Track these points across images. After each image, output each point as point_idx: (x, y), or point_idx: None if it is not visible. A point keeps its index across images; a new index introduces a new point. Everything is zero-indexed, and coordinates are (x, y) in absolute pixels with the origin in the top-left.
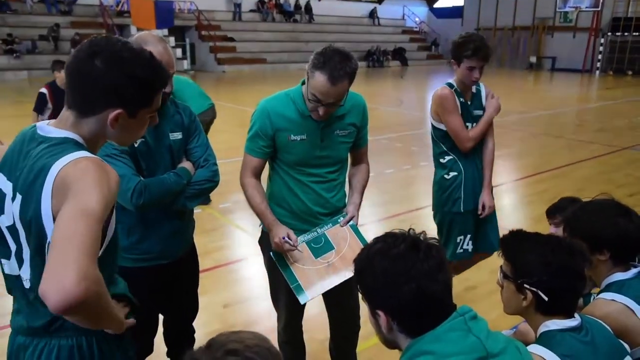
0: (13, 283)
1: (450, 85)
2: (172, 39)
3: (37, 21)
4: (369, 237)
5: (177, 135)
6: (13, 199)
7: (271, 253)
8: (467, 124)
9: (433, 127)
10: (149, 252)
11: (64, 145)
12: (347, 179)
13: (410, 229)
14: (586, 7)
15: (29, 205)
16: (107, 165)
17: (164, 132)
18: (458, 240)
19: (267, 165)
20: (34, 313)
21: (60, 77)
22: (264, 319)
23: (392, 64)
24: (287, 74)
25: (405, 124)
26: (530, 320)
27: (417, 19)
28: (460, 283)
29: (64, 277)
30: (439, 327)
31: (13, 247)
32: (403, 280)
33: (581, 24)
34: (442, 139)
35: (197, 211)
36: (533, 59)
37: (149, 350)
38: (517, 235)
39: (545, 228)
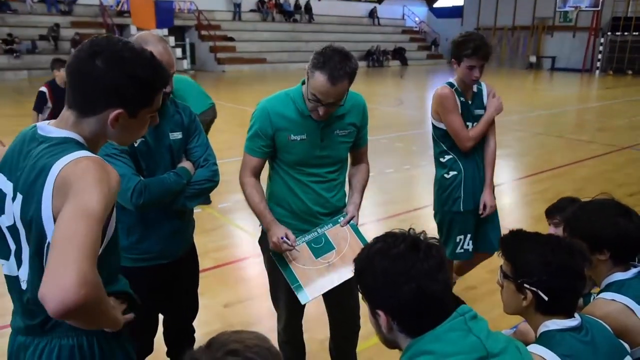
0: (11, 284)
1: (450, 84)
2: (172, 39)
3: (37, 21)
4: (369, 237)
5: (177, 135)
6: (13, 199)
7: (271, 253)
8: (468, 123)
9: (433, 126)
10: (149, 252)
11: (64, 145)
12: (347, 179)
13: (410, 228)
14: (586, 7)
15: (29, 205)
16: (108, 164)
17: (164, 132)
18: (458, 240)
19: (267, 165)
20: (27, 313)
21: (60, 75)
22: (264, 318)
23: (392, 63)
24: (287, 74)
25: (405, 124)
26: (530, 320)
27: (417, 19)
28: (460, 283)
29: (64, 283)
30: (439, 327)
31: (13, 247)
32: (403, 280)
33: (581, 23)
34: (442, 138)
35: (197, 211)
36: (533, 59)
37: (149, 349)
38: (517, 235)
39: (546, 228)
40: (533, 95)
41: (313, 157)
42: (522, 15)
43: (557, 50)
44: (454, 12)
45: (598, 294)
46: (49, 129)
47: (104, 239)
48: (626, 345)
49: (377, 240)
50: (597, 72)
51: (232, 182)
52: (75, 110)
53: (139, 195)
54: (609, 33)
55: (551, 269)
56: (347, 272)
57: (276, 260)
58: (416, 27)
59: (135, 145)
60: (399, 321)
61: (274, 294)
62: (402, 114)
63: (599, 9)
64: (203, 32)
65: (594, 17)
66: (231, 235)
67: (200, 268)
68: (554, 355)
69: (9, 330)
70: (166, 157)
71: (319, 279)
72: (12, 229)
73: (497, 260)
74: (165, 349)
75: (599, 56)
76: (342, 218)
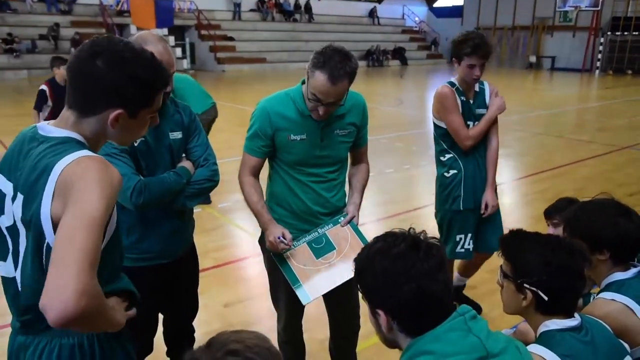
0: (8, 285)
1: (451, 84)
2: (172, 39)
3: (37, 20)
4: (370, 236)
5: (177, 135)
6: (13, 199)
7: (272, 254)
8: (469, 122)
9: (434, 125)
10: (149, 252)
11: (66, 145)
12: (347, 179)
13: (410, 228)
14: (586, 7)
15: (30, 205)
16: (110, 164)
17: (164, 132)
18: (458, 239)
19: (267, 165)
20: (24, 313)
21: (60, 73)
22: (263, 318)
23: (391, 63)
24: (287, 74)
25: (405, 124)
26: (530, 320)
27: (416, 19)
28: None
29: (64, 294)
30: (439, 326)
31: (11, 248)
32: (403, 280)
33: (581, 23)
34: (443, 137)
35: (197, 211)
36: (533, 59)
37: (149, 349)
38: (517, 234)
39: (546, 228)
40: (533, 95)
41: (313, 157)
42: (522, 15)
43: (557, 50)
44: (454, 12)
45: (598, 293)
46: (49, 128)
47: (104, 237)
48: (626, 345)
49: (377, 239)
50: (597, 72)
51: (232, 181)
52: (75, 110)
53: (139, 195)
54: (608, 33)
55: (551, 269)
56: (348, 273)
57: (277, 261)
58: (416, 27)
59: (135, 144)
60: (399, 321)
61: (273, 293)
62: (402, 113)
63: (598, 8)
64: (203, 32)
65: (593, 17)
66: (231, 235)
67: (200, 268)
68: (554, 355)
69: (9, 330)
70: (166, 156)
71: (320, 279)
72: (12, 229)
73: (497, 260)
74: (165, 348)
75: (599, 56)
76: (342, 218)
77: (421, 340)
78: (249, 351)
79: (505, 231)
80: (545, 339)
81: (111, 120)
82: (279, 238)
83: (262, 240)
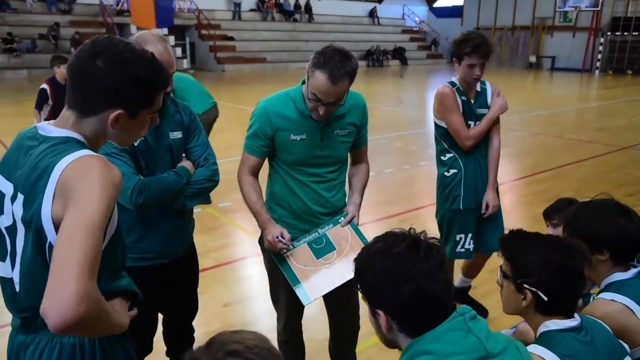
0: (5, 285)
1: (452, 83)
2: (172, 38)
3: (37, 20)
4: (369, 236)
5: (177, 135)
6: (13, 199)
7: (272, 254)
8: (470, 122)
9: (435, 124)
10: (149, 252)
11: (66, 145)
12: (347, 179)
13: (410, 228)
14: (586, 7)
15: (30, 205)
16: (110, 163)
17: (164, 132)
18: (458, 239)
19: (267, 165)
20: (22, 312)
21: (60, 72)
22: (263, 318)
23: (391, 63)
24: (287, 73)
25: (405, 124)
26: (529, 320)
27: (417, 19)
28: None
29: (63, 300)
30: (439, 327)
31: (9, 248)
32: (403, 280)
33: (581, 23)
34: (444, 137)
35: (197, 210)
36: (533, 59)
37: (149, 349)
38: (516, 235)
39: (545, 228)
40: (533, 95)
41: (313, 156)
42: (522, 15)
43: (557, 50)
44: (454, 12)
45: (598, 294)
46: (49, 128)
47: (105, 237)
48: (626, 346)
49: (377, 239)
50: (597, 72)
51: (232, 181)
52: (75, 110)
53: (139, 194)
54: (608, 33)
55: (551, 269)
56: (348, 273)
57: (277, 261)
58: (416, 27)
59: (135, 144)
60: (399, 321)
61: (273, 293)
62: (402, 113)
63: (598, 9)
64: (203, 32)
65: (593, 17)
66: (231, 235)
67: (200, 267)
68: (554, 355)
69: (9, 329)
70: (166, 156)
71: (321, 279)
72: (11, 229)
73: (497, 260)
74: (165, 348)
75: (599, 56)
76: (342, 218)
77: (421, 341)
78: (249, 352)
79: (505, 231)
80: (545, 339)
81: (111, 120)
82: (277, 237)
83: (262, 240)
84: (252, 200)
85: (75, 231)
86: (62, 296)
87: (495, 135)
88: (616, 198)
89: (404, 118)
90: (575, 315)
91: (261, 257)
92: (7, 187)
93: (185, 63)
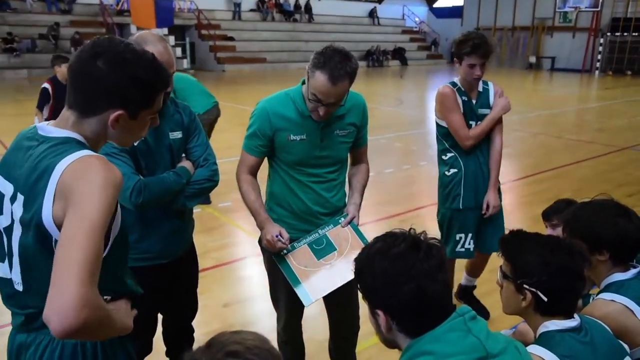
0: (3, 285)
1: (453, 84)
2: (172, 38)
3: (37, 20)
4: (369, 236)
5: (177, 135)
6: (13, 199)
7: (272, 255)
8: (471, 122)
9: (437, 124)
10: (149, 252)
11: (66, 145)
12: (347, 179)
13: (410, 228)
14: (586, 7)
15: (31, 205)
16: (110, 162)
17: (164, 132)
18: (458, 238)
19: (267, 165)
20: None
21: (61, 71)
22: (263, 318)
23: (391, 63)
24: (287, 74)
25: (405, 124)
26: (529, 321)
27: (416, 19)
28: (456, 283)
29: (64, 306)
30: (439, 327)
31: (7, 249)
32: (403, 280)
33: (581, 24)
34: (445, 137)
35: (197, 210)
36: (532, 59)
37: (148, 349)
38: (516, 235)
39: (545, 228)
40: (533, 95)
41: (313, 157)
42: (522, 16)
43: (557, 51)
44: (454, 12)
45: (597, 294)
46: (49, 129)
47: (110, 236)
48: (625, 346)
49: (377, 240)
50: (597, 72)
51: (232, 181)
52: (75, 111)
53: (138, 194)
54: (608, 33)
55: (551, 269)
56: (349, 273)
57: (277, 261)
58: (416, 27)
59: (135, 144)
60: (398, 321)
61: (273, 294)
62: (402, 113)
63: (598, 9)
64: (203, 32)
65: (593, 18)
66: (231, 235)
67: (200, 268)
68: (553, 355)
69: (9, 329)
70: (166, 156)
71: (321, 280)
72: (8, 230)
73: (497, 260)
74: (165, 348)
75: (599, 57)
76: (342, 219)
77: (421, 341)
78: (249, 352)
79: (505, 232)
80: (545, 340)
81: (111, 121)
82: (276, 236)
83: (262, 241)
84: (251, 199)
85: (76, 233)
86: (64, 302)
87: (498, 135)
88: (616, 198)
89: (404, 118)
90: (575, 315)
91: (261, 258)
92: (7, 188)
93: (185, 63)
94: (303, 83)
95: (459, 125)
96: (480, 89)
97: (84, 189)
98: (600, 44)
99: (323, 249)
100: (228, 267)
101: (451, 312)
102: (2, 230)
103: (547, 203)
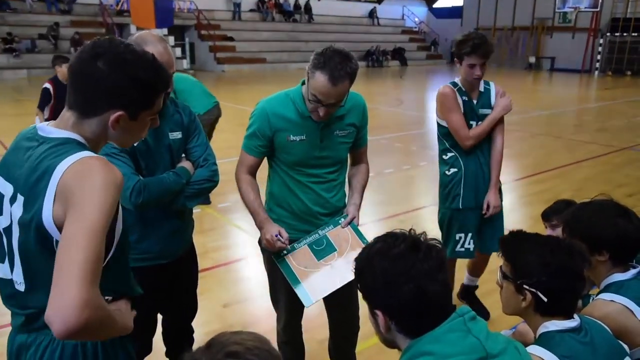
0: (4, 286)
1: (454, 84)
2: (171, 38)
3: (37, 20)
4: (369, 237)
5: (177, 135)
6: (13, 200)
7: (273, 256)
8: (472, 122)
9: (437, 124)
10: (149, 252)
11: (67, 146)
12: (346, 179)
13: (410, 229)
14: (585, 8)
15: (31, 206)
16: (111, 163)
17: (164, 132)
18: (457, 238)
19: (266, 165)
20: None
21: (62, 71)
22: (263, 318)
23: (391, 64)
24: (287, 74)
25: (405, 124)
26: (529, 321)
27: (416, 19)
28: (459, 283)
29: (66, 307)
30: (439, 327)
31: (7, 249)
32: (402, 281)
33: (580, 24)
34: (445, 137)
35: (197, 211)
36: (532, 59)
37: (148, 349)
38: (516, 235)
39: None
40: (532, 95)
41: (312, 157)
42: (521, 16)
43: (557, 51)
44: (454, 13)
45: (597, 294)
46: (49, 129)
47: (115, 237)
48: (625, 346)
49: (377, 240)
50: (596, 72)
51: (231, 182)
52: (76, 111)
53: (138, 195)
54: (608, 34)
55: (550, 269)
56: (349, 274)
57: (277, 262)
58: (416, 28)
59: (135, 144)
60: (397, 321)
61: (273, 294)
62: (402, 114)
63: (598, 9)
64: (203, 32)
65: (593, 18)
66: (230, 235)
67: (200, 268)
68: (553, 356)
69: (9, 329)
70: (166, 156)
71: (322, 281)
72: (7, 230)
73: (497, 261)
74: (165, 349)
75: (598, 57)
76: (342, 219)
77: (420, 341)
78: (249, 353)
79: (505, 232)
80: (545, 340)
81: (112, 121)
82: (276, 236)
83: (261, 241)
84: (250, 199)
85: (77, 234)
86: (66, 303)
87: (499, 135)
88: (615, 199)
89: (403, 118)
90: (575, 316)
91: (261, 258)
92: (7, 188)
93: (185, 63)
94: (303, 83)
95: (459, 125)
96: (481, 89)
97: (84, 190)
98: (600, 44)
99: (323, 250)
100: (228, 267)
101: (451, 313)
102: (1, 231)
103: (546, 203)
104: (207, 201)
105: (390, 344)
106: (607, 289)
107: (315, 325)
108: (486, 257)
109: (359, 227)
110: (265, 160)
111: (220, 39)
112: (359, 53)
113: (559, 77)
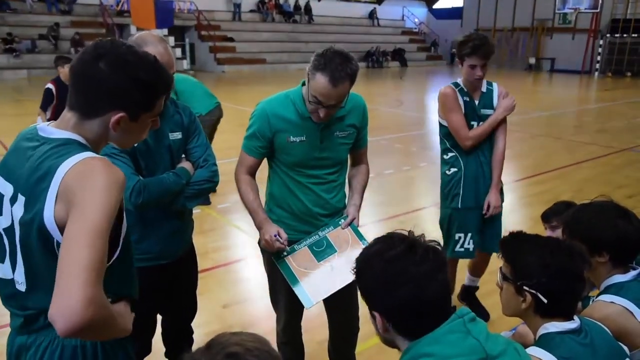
0: (4, 286)
1: (456, 84)
2: (171, 39)
3: (37, 20)
4: (370, 238)
5: (177, 135)
6: (13, 200)
7: (273, 257)
8: (473, 122)
9: (439, 124)
10: (149, 252)
11: (68, 147)
12: (346, 180)
13: (409, 230)
14: (585, 9)
15: (32, 206)
16: (112, 164)
17: (164, 132)
18: (457, 238)
19: (266, 166)
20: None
21: (64, 72)
22: (262, 319)
23: (391, 64)
24: (287, 75)
25: (405, 125)
26: (529, 323)
27: (416, 20)
28: (459, 284)
29: (71, 305)
30: (438, 329)
31: (8, 249)
32: (398, 284)
33: (580, 25)
34: (446, 136)
35: (196, 211)
36: (532, 60)
37: (148, 350)
38: (516, 236)
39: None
40: (532, 96)
41: (312, 158)
42: (521, 17)
43: (557, 52)
44: (454, 14)
45: (597, 296)
46: (50, 130)
47: (120, 237)
48: (625, 348)
49: (376, 241)
50: (596, 73)
51: (231, 182)
52: (77, 112)
53: (138, 195)
54: (608, 35)
55: (550, 271)
56: (349, 275)
57: (276, 262)
58: (416, 28)
59: (135, 145)
60: (394, 323)
61: (273, 295)
62: (402, 115)
63: (598, 10)
64: (203, 33)
65: (593, 19)
66: (230, 236)
67: (199, 268)
68: (553, 357)
69: (9, 329)
70: (166, 157)
71: (322, 282)
72: (9, 230)
73: (496, 262)
74: (164, 349)
75: (598, 58)
76: (342, 220)
77: (420, 343)
78: (249, 354)
79: (505, 233)
80: (545, 342)
81: (113, 123)
82: (274, 236)
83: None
84: (249, 199)
85: (81, 235)
86: (70, 301)
87: (501, 136)
88: (615, 200)
89: (403, 119)
90: (575, 317)
91: (260, 259)
92: (7, 189)
93: (185, 64)
94: (303, 84)
95: (459, 125)
96: (483, 89)
97: (87, 190)
98: (600, 45)
99: (323, 251)
100: (227, 268)
101: (450, 314)
102: (2, 231)
103: (546, 204)
104: (207, 202)
105: (390, 343)
106: (607, 290)
107: (315, 326)
108: (487, 257)
109: (359, 228)
110: (265, 160)
111: (220, 39)
112: (359, 54)
113: (559, 78)
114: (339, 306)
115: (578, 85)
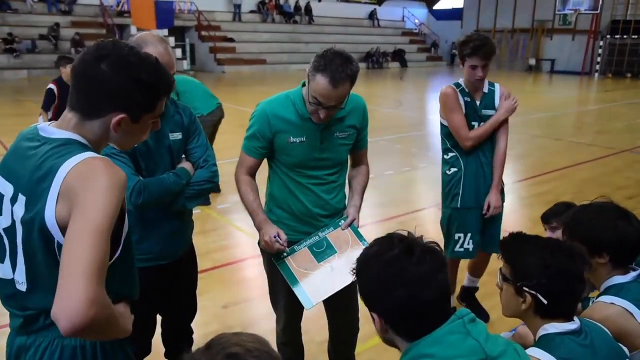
0: (4, 286)
1: (457, 84)
2: (172, 39)
3: (37, 20)
4: (369, 239)
5: (177, 136)
6: (13, 200)
7: (273, 258)
8: (474, 123)
9: (440, 124)
10: (149, 253)
11: (69, 147)
12: (347, 181)
13: (409, 232)
14: (585, 10)
15: (33, 206)
16: (115, 165)
17: (164, 133)
18: (457, 237)
19: (266, 166)
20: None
21: (66, 72)
22: (262, 319)
23: (391, 65)
24: (287, 75)
25: (405, 126)
26: (529, 323)
27: (416, 21)
28: (459, 285)
29: (73, 305)
30: (438, 330)
31: (8, 250)
32: (395, 286)
33: (580, 26)
34: (447, 136)
35: (196, 212)
36: (532, 61)
37: (147, 350)
38: (516, 237)
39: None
40: (532, 97)
41: (312, 159)
42: (521, 18)
43: (557, 53)
44: (454, 14)
45: (597, 297)
46: (50, 130)
47: (122, 237)
48: (625, 349)
49: (374, 243)
50: (596, 74)
51: (231, 183)
52: (78, 113)
53: (138, 195)
54: (608, 36)
55: (550, 272)
56: (349, 276)
57: (276, 263)
58: (416, 29)
59: (135, 145)
60: (393, 324)
61: (273, 295)
62: (402, 115)
63: (598, 11)
64: (203, 33)
65: (593, 20)
66: (230, 236)
67: (199, 269)
68: (553, 358)
69: (9, 329)
70: (166, 157)
71: (322, 283)
72: (9, 230)
73: (496, 262)
74: (164, 350)
75: (598, 59)
76: (342, 221)
77: (420, 344)
78: (248, 354)
79: (505, 234)
80: (545, 343)
81: (114, 124)
82: (274, 237)
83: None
84: (249, 199)
85: (83, 235)
86: (72, 301)
87: (502, 136)
88: (615, 201)
89: (403, 120)
90: (575, 318)
91: (260, 259)
92: (7, 188)
93: (185, 64)
94: (303, 85)
95: (459, 125)
96: (485, 90)
97: (89, 190)
98: (600, 47)
99: (323, 252)
100: (227, 268)
101: (450, 315)
102: (1, 231)
103: (546, 205)
104: (207, 202)
105: (390, 343)
106: (607, 291)
107: (315, 326)
108: (486, 257)
109: (359, 229)
110: (265, 161)
111: (220, 40)
112: (359, 54)
113: (558, 79)
114: (339, 307)
115: (578, 87)
